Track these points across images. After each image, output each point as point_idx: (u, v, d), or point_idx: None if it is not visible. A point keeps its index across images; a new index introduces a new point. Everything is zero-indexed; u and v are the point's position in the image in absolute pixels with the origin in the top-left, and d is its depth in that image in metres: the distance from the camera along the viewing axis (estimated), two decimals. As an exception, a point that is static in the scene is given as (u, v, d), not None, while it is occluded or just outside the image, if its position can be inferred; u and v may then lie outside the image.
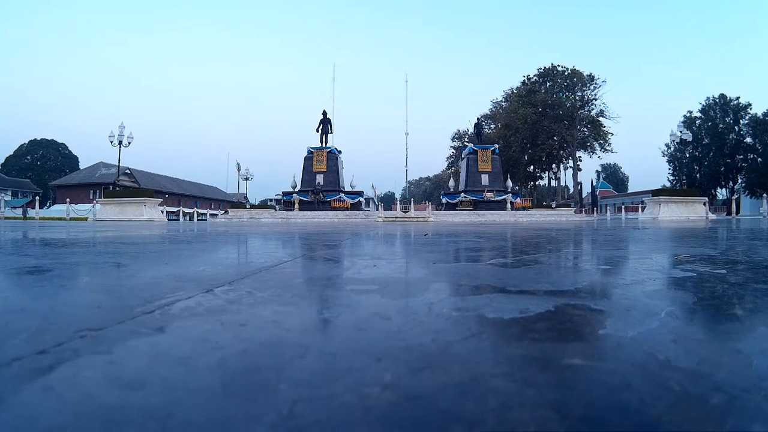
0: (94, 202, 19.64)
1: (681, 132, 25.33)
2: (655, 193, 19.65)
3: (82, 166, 49.02)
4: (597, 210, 35.34)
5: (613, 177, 77.07)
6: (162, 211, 19.35)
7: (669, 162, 46.18)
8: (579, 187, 41.87)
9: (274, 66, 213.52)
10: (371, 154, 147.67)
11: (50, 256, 2.29)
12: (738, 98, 43.28)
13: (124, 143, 19.84)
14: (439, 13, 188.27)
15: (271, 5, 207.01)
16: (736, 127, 42.86)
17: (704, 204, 18.52)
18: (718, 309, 0.98)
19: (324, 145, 24.30)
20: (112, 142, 19.78)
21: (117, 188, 24.16)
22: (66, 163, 55.28)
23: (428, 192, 71.46)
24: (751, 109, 42.33)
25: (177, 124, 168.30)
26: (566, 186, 43.37)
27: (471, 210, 22.17)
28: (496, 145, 26.10)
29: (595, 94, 38.77)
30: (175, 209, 26.55)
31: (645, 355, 0.63)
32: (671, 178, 46.16)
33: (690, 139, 34.95)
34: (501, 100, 44.54)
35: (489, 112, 45.62)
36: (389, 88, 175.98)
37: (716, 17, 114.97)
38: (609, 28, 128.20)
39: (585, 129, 39.31)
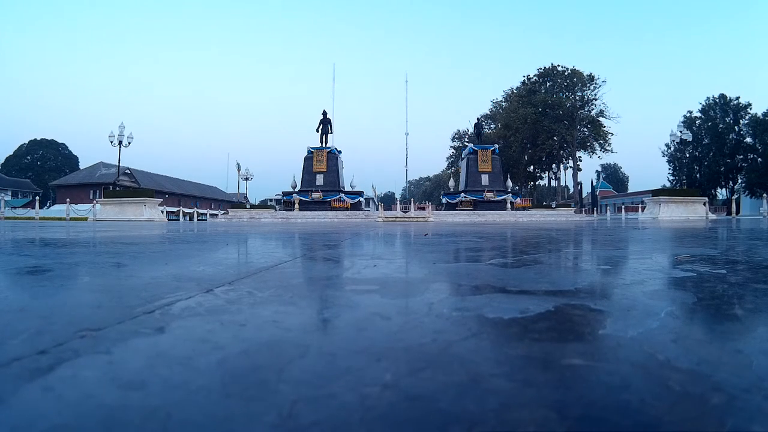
0: (94, 202, 19.62)
1: (681, 132, 25.36)
2: (655, 193, 19.64)
3: (82, 166, 49.00)
4: (597, 210, 35.32)
5: (613, 177, 77.05)
6: (162, 211, 19.34)
7: (669, 162, 46.17)
8: (579, 187, 41.88)
9: (274, 66, 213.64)
10: (371, 154, 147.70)
11: (50, 256, 2.29)
12: (738, 98, 43.24)
13: (124, 143, 19.85)
14: (440, 13, 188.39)
15: (271, 5, 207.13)
16: (736, 127, 42.80)
17: (704, 204, 18.51)
18: (718, 309, 0.97)
19: (324, 145, 24.28)
20: (112, 142, 19.80)
21: (117, 188, 24.20)
22: (66, 163, 55.28)
23: (428, 192, 71.44)
24: (751, 109, 42.28)
25: (177, 125, 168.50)
26: (566, 186, 43.38)
27: (471, 210, 22.16)
28: (496, 145, 26.07)
29: (595, 94, 38.82)
30: (175, 209, 26.53)
31: (645, 355, 0.63)
32: (671, 178, 46.15)
33: (690, 139, 35.04)
34: (501, 100, 44.59)
35: (489, 112, 45.66)
36: (389, 88, 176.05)
37: (716, 17, 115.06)
38: (609, 28, 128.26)
39: (585, 129, 39.32)
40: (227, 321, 0.84)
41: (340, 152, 24.54)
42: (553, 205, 25.57)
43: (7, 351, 0.65)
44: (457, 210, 22.74)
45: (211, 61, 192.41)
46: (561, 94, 39.59)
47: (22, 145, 55.98)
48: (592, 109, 38.92)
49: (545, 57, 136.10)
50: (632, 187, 69.31)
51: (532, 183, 44.93)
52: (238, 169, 28.92)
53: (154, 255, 2.35)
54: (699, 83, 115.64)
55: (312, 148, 23.85)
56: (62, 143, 57.87)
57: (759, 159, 39.81)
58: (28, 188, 48.25)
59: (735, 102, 43.31)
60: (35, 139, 56.39)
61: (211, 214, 31.28)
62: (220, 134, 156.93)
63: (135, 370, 0.57)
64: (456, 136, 49.14)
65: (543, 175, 45.26)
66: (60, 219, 17.74)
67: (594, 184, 47.88)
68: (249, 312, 0.92)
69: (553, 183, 44.66)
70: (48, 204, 35.20)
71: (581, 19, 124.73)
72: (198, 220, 25.29)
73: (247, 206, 23.66)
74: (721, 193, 45.91)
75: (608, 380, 0.54)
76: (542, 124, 37.97)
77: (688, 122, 44.46)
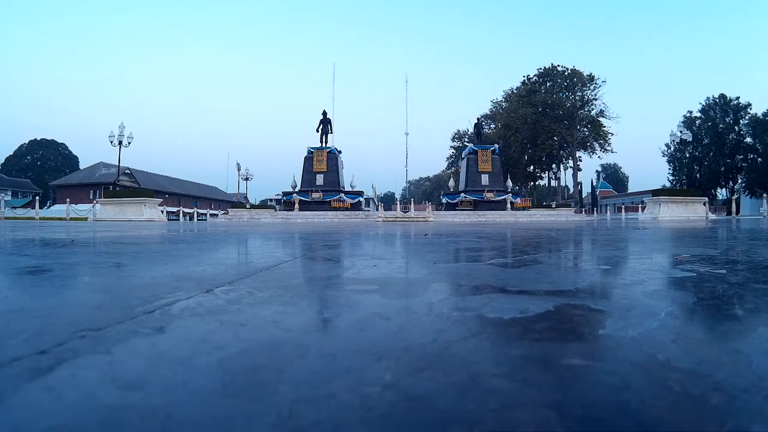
0: (94, 202, 19.62)
1: (681, 132, 25.37)
2: (655, 193, 19.64)
3: (82, 166, 49.00)
4: (597, 210, 35.30)
5: (613, 177, 77.12)
6: (162, 211, 19.34)
7: (669, 162, 46.15)
8: (579, 187, 41.90)
9: (274, 66, 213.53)
10: (371, 154, 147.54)
11: (50, 256, 2.29)
12: (738, 98, 43.22)
13: (124, 143, 19.85)
14: (439, 13, 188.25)
15: (271, 5, 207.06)
16: (736, 127, 42.79)
17: (704, 204, 18.52)
18: (718, 309, 0.97)
19: (324, 145, 24.28)
20: (112, 142, 19.80)
21: (117, 188, 24.20)
22: (66, 163, 55.30)
23: (428, 192, 71.48)
24: (751, 109, 42.28)
25: (177, 125, 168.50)
26: (566, 186, 43.40)
27: (471, 210, 22.17)
28: (496, 145, 26.06)
29: (595, 94, 38.86)
30: (175, 209, 26.53)
31: (645, 355, 0.63)
32: (671, 178, 46.13)
33: (690, 139, 35.02)
34: (501, 100, 44.61)
35: (489, 112, 45.69)
36: (389, 88, 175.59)
37: (716, 17, 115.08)
38: (609, 28, 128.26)
39: (585, 129, 39.34)
40: (227, 321, 0.84)
41: (340, 152, 24.54)
42: (553, 205, 25.56)
43: (7, 351, 0.64)
44: (457, 210, 22.74)
45: (212, 61, 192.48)
46: (561, 94, 39.60)
47: (22, 145, 56.00)
48: (592, 109, 38.97)
49: (545, 57, 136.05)
50: (632, 187, 69.51)
51: (532, 183, 44.93)
52: (238, 169, 28.92)
53: (154, 255, 2.35)
54: (699, 83, 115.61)
55: (312, 148, 23.85)
56: (62, 143, 57.93)
57: (759, 159, 39.80)
58: (28, 188, 48.26)
59: (735, 102, 43.30)
60: (35, 139, 56.41)
61: (211, 214, 31.29)
62: (220, 134, 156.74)
63: (135, 371, 0.57)
64: (456, 136, 49.19)
65: (543, 175, 45.27)
66: (60, 219, 17.74)
67: (594, 184, 47.88)
68: (249, 312, 0.92)
69: (553, 183, 44.70)
70: (48, 204, 35.20)
71: (582, 18, 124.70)
72: (198, 220, 25.29)
73: (247, 206, 23.65)
74: (721, 193, 45.92)
75: (608, 380, 0.54)
76: (542, 124, 37.98)
77: (688, 122, 44.44)
